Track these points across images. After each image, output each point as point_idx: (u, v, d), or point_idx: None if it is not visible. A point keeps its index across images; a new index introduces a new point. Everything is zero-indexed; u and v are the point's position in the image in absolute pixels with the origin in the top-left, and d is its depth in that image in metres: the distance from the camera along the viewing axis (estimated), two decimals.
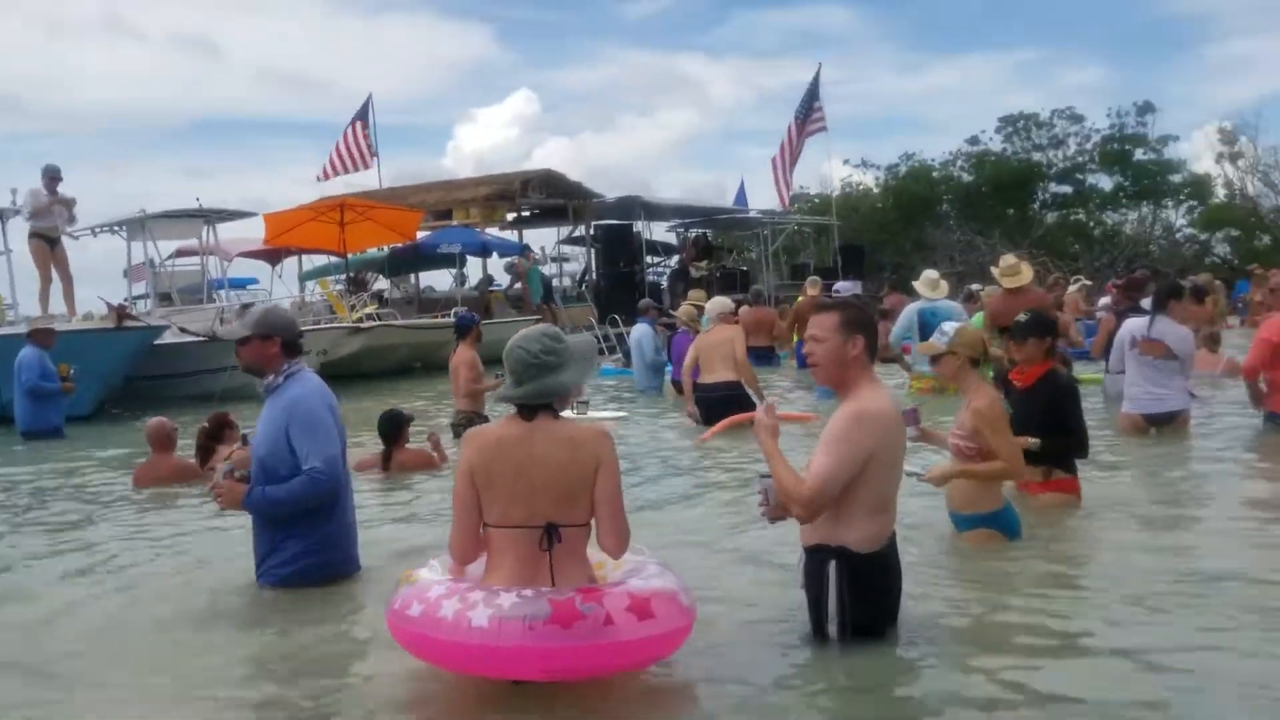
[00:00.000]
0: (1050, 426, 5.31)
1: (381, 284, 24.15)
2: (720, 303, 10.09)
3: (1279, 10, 52.10)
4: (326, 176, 24.10)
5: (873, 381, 3.68)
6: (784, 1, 62.91)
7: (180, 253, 19.88)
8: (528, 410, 3.34)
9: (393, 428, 7.72)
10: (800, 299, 17.07)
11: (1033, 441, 5.18)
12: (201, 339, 14.99)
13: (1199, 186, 35.88)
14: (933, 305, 10.86)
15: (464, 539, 3.40)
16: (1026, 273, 10.36)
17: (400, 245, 21.49)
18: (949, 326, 4.95)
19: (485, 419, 9.40)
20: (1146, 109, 36.08)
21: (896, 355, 11.33)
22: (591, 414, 10.12)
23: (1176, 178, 36.07)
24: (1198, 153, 38.22)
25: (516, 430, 3.34)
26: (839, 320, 3.69)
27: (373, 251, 22.62)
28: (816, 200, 38.24)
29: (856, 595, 3.56)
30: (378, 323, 17.68)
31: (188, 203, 16.80)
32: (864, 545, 3.56)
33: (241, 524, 4.98)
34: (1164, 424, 7.77)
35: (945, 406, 9.83)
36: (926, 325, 10.70)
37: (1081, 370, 11.53)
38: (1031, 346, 5.59)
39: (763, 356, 16.36)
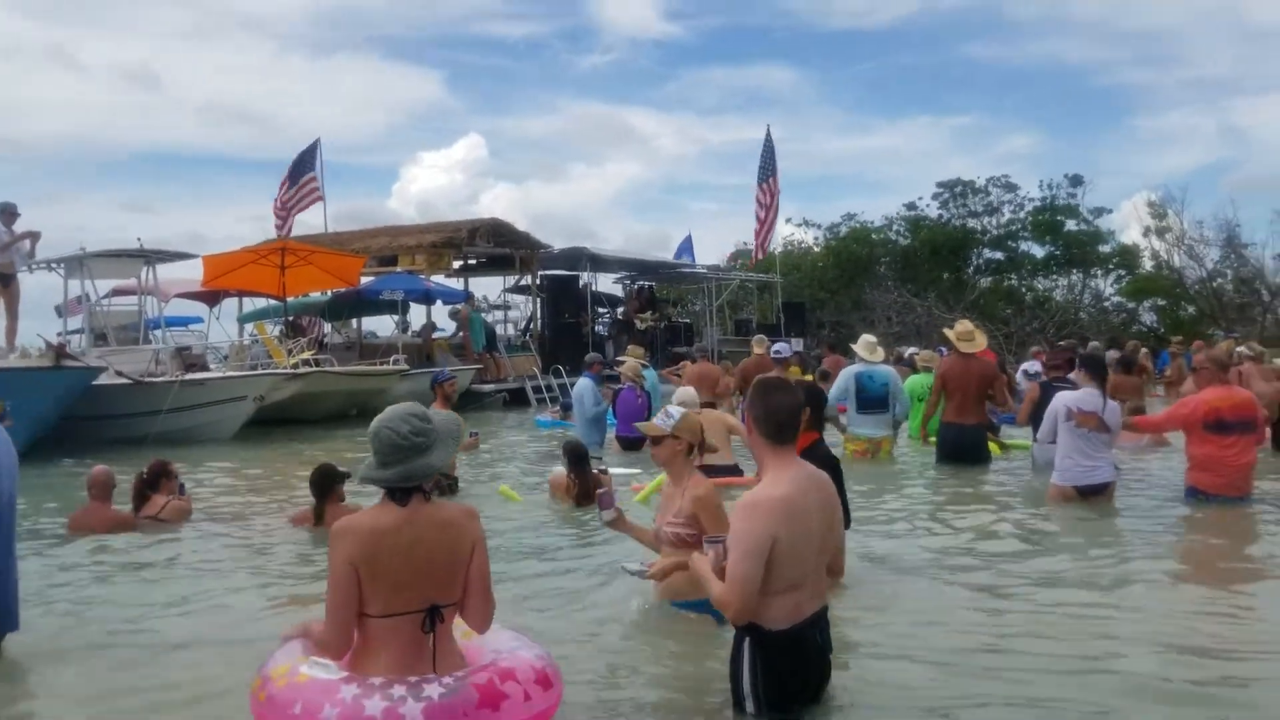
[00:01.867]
0: None
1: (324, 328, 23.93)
2: (690, 392, 9.93)
3: (1207, 86, 54.46)
4: (281, 229, 24.95)
5: (778, 462, 3.72)
6: (730, 61, 64.28)
7: (116, 291, 19.53)
8: (400, 494, 3.26)
9: (325, 482, 7.64)
10: (748, 357, 17.24)
11: None
12: (136, 381, 14.76)
13: (1127, 256, 37.04)
14: (870, 369, 11.05)
15: (343, 635, 3.26)
16: (981, 339, 10.82)
17: (342, 290, 21.36)
18: (675, 410, 4.90)
19: (454, 480, 9.29)
20: (1076, 181, 37.34)
21: (832, 416, 11.47)
22: (614, 471, 9.88)
23: (1106, 248, 37.25)
24: (1126, 222, 39.68)
25: (393, 517, 3.24)
26: (748, 398, 3.82)
27: (315, 295, 22.44)
28: (760, 257, 38.82)
29: (769, 672, 3.63)
30: (314, 368, 17.50)
31: (127, 238, 16.65)
32: (776, 623, 3.62)
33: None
34: (1095, 495, 7.98)
35: (876, 473, 10.09)
36: (864, 389, 10.91)
37: (1009, 435, 11.88)
38: None
39: None
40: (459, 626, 3.45)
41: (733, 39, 63.19)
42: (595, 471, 8.59)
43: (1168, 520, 7.54)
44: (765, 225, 27.36)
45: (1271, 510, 7.70)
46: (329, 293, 22.12)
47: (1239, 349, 13.72)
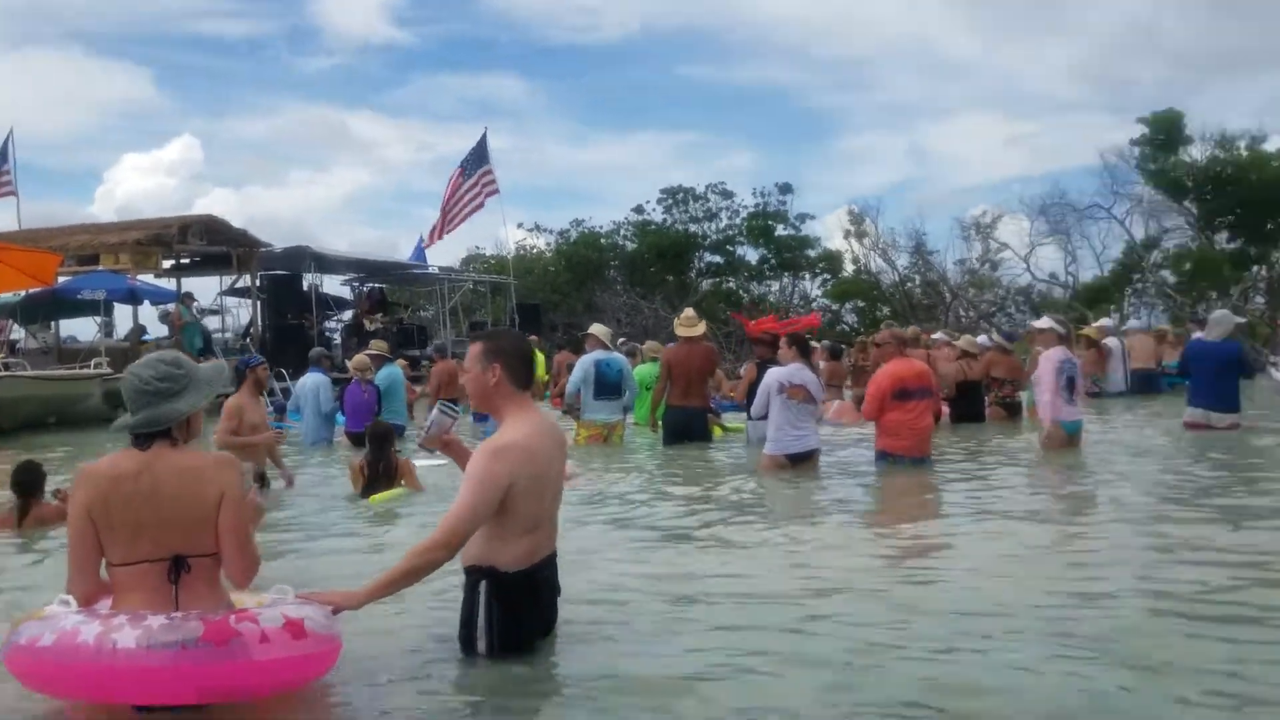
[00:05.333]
0: None
1: (18, 332, 21.79)
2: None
3: (897, 110, 59.81)
4: None
5: (520, 408, 3.86)
6: (461, 68, 63.77)
7: None
8: (143, 440, 3.26)
9: (30, 480, 7.11)
10: None
11: None
12: None
13: (831, 261, 40.17)
14: (608, 356, 11.43)
15: (86, 582, 3.25)
16: (702, 326, 11.47)
17: (36, 290, 19.53)
18: None
19: (263, 478, 8.30)
20: (786, 189, 40.05)
21: (569, 406, 11.85)
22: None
23: (813, 253, 40.21)
24: (830, 232, 42.76)
25: (133, 463, 3.22)
26: (479, 350, 3.88)
27: (6, 296, 20.39)
28: (493, 261, 38.99)
29: (505, 613, 3.73)
30: (4, 373, 15.97)
31: None
32: (514, 565, 3.74)
33: None
34: (803, 462, 8.73)
35: (608, 454, 10.51)
36: (602, 375, 11.28)
37: (730, 419, 12.70)
38: None
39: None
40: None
41: (462, 47, 62.51)
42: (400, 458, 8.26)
43: (863, 481, 8.37)
44: (453, 210, 27.12)
45: (948, 470, 8.74)
46: (22, 293, 20.18)
47: (937, 335, 15.80)
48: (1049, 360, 9.30)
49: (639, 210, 40.49)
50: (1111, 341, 16.29)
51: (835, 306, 39.84)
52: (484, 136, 27.83)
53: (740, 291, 39.71)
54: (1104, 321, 18.74)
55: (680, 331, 11.20)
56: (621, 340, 17.37)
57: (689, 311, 11.67)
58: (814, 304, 40.10)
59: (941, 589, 4.83)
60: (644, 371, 13.15)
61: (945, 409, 12.37)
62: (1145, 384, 16.17)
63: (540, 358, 18.97)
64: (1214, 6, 49.79)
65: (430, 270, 29.86)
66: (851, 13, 60.09)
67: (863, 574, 5.11)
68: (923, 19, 58.81)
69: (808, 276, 40.67)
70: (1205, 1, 51.57)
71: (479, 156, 27.53)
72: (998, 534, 6.07)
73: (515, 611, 3.77)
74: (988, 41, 57.53)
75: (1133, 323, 23.05)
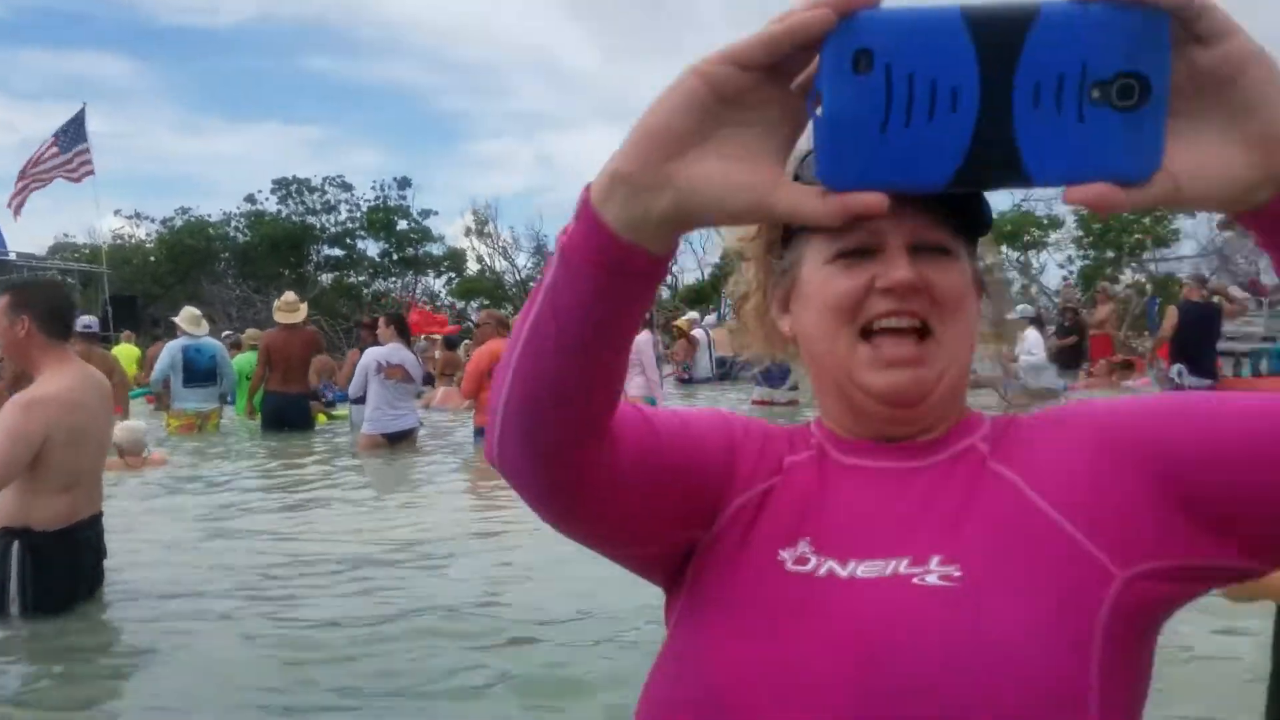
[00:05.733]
0: None
1: None
2: None
3: (522, 118, 61.38)
4: None
5: (58, 361, 3.72)
6: (51, 43, 57.20)
7: None
8: None
9: None
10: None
11: None
12: None
13: (456, 259, 40.60)
14: (197, 343, 10.93)
15: None
16: (302, 311, 11.27)
17: None
18: None
19: None
20: (405, 183, 39.96)
21: (157, 394, 11.20)
22: None
23: (437, 250, 40.42)
24: (456, 234, 43.26)
25: None
26: (5, 303, 3.70)
27: None
28: (85, 250, 35.56)
29: (40, 573, 3.64)
30: None
31: None
32: (51, 524, 3.65)
33: None
34: (400, 440, 8.92)
35: (201, 446, 10.14)
36: (192, 362, 10.76)
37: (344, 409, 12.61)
38: None
39: None
40: None
41: (51, 20, 55.85)
42: None
43: (459, 455, 8.72)
44: (35, 175, 24.64)
45: None
46: None
47: None
48: (646, 344, 10.22)
49: (251, 200, 38.64)
50: (699, 333, 17.94)
51: (460, 305, 40.26)
52: (82, 112, 25.42)
53: (362, 286, 39.07)
54: (692, 315, 20.61)
55: (280, 317, 10.98)
56: (227, 334, 16.63)
57: (289, 296, 11.46)
58: (439, 301, 40.32)
59: (498, 549, 5.26)
60: (244, 360, 12.69)
61: None
62: (728, 370, 17.95)
63: (134, 352, 17.76)
64: None
65: (7, 257, 26.73)
66: (482, 20, 61.13)
67: (433, 537, 5.42)
68: (548, 31, 60.94)
69: (432, 274, 40.79)
70: None
71: (76, 134, 25.07)
72: None
73: (53, 572, 3.67)
74: (606, 57, 60.64)
75: (710, 319, 25.38)
